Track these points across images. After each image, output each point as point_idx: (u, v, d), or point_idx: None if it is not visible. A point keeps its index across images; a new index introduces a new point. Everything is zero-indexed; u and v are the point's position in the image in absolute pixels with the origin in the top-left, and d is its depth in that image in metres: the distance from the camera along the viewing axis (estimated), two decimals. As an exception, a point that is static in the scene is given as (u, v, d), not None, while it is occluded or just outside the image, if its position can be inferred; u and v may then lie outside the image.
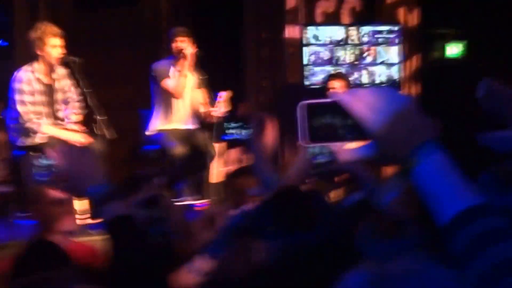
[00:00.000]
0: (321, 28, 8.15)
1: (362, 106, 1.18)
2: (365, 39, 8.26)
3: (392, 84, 8.14)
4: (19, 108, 5.76)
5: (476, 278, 1.05)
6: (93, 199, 1.87)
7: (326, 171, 2.62)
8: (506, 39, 8.39)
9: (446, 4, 8.63)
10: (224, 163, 6.71)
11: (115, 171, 1.95)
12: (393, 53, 8.33)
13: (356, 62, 8.22)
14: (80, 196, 2.18)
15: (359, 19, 8.52)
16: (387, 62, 8.33)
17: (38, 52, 5.82)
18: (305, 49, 8.03)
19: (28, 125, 5.75)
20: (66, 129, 5.92)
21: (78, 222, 4.54)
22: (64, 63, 5.94)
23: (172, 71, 6.40)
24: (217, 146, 6.45)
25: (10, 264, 2.95)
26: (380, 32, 8.30)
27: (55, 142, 5.62)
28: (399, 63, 8.34)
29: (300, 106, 1.22)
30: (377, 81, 8.23)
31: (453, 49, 9.01)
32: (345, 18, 8.53)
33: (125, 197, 1.98)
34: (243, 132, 4.08)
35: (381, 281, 0.97)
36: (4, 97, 5.93)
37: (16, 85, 5.78)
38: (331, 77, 6.77)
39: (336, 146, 1.26)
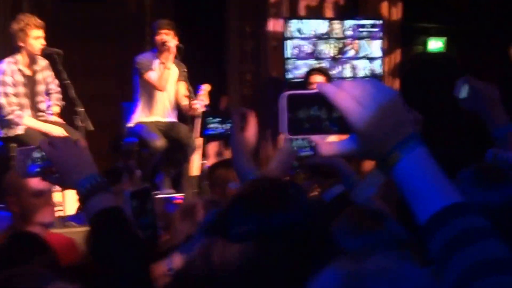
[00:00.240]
0: (305, 21, 8.14)
1: (347, 98, 1.13)
2: (348, 33, 8.26)
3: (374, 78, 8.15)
4: (2, 99, 5.71)
5: (452, 278, 1.05)
6: (81, 190, 1.86)
7: (308, 164, 2.62)
8: (487, 34, 8.43)
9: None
10: (204, 156, 6.69)
11: (95, 163, 1.93)
12: (375, 47, 8.35)
13: (338, 56, 8.23)
14: (68, 187, 2.17)
15: (342, 13, 8.52)
16: (370, 56, 8.34)
17: (21, 44, 5.77)
18: (288, 43, 8.01)
19: (9, 117, 5.71)
20: (48, 121, 5.88)
21: (56, 213, 4.53)
22: (46, 54, 5.90)
23: (155, 63, 6.37)
24: (198, 140, 6.43)
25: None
26: (363, 26, 8.31)
27: (32, 133, 5.59)
28: (381, 57, 8.36)
29: (282, 97, 1.19)
30: (360, 75, 8.24)
31: (435, 44, 9.04)
32: (329, 11, 8.53)
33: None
34: (224, 125, 4.06)
35: (355, 279, 0.96)
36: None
37: (-1, 77, 5.73)
38: (312, 71, 6.75)
39: (317, 138, 1.23)
